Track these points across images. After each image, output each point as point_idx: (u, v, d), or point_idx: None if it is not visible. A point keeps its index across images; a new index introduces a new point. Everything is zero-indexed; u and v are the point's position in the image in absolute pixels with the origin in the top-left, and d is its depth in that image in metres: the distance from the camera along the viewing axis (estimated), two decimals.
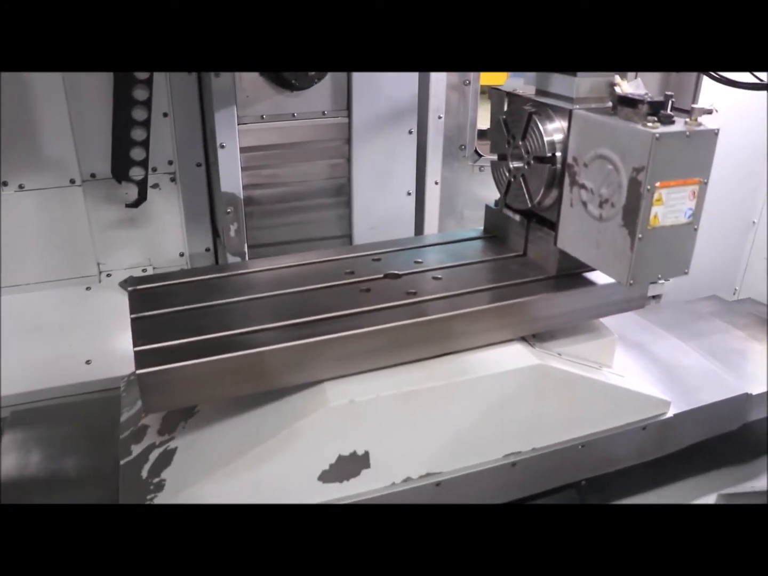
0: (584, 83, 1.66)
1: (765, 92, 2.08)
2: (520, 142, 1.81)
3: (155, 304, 1.69)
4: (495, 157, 1.96)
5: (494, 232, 2.09)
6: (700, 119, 1.51)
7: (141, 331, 1.57)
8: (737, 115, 2.58)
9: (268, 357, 1.51)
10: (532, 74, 1.83)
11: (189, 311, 1.67)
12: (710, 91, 2.39)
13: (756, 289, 2.95)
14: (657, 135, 1.45)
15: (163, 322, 1.63)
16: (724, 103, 2.36)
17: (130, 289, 1.78)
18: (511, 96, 1.89)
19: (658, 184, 1.49)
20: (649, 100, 1.51)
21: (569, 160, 1.69)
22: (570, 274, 1.84)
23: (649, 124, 1.48)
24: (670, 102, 1.51)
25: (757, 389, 2.14)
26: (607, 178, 1.59)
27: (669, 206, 1.53)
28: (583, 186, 1.67)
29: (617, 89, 1.61)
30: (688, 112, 1.53)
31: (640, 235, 1.53)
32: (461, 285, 1.79)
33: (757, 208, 2.88)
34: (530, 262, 1.92)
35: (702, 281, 2.81)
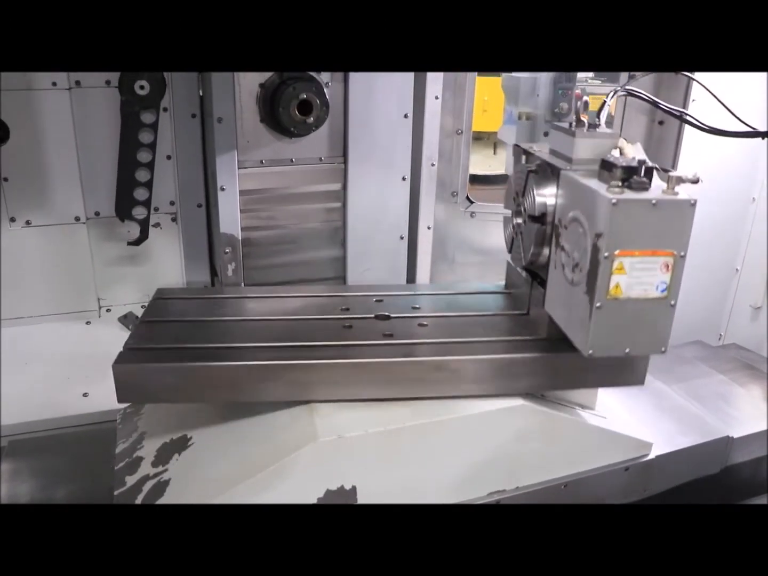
0: (582, 144, 1.60)
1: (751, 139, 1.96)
2: (522, 200, 1.81)
3: (163, 313, 1.95)
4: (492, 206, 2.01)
5: (511, 288, 2.11)
6: (677, 188, 1.42)
7: (137, 333, 1.82)
8: (722, 159, 2.67)
9: (226, 371, 1.67)
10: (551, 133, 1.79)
11: (186, 323, 1.89)
12: (700, 95, 2.36)
13: (741, 335, 3.01)
14: (614, 200, 1.38)
15: (160, 329, 1.86)
16: (709, 149, 2.45)
17: (155, 298, 2.06)
18: (527, 153, 1.87)
19: (617, 252, 1.42)
20: (623, 164, 1.44)
21: (556, 221, 1.67)
22: (563, 338, 1.71)
23: (616, 189, 1.41)
24: (642, 167, 1.43)
25: (738, 432, 2.18)
26: (578, 241, 1.54)
27: (634, 277, 1.45)
28: (563, 248, 1.63)
29: (614, 152, 1.55)
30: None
31: (598, 304, 1.46)
32: (441, 334, 1.83)
33: (740, 255, 2.95)
34: (530, 322, 1.90)
35: (687, 326, 2.85)
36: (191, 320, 1.92)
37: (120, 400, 1.69)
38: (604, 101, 1.82)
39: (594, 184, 1.48)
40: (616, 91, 1.84)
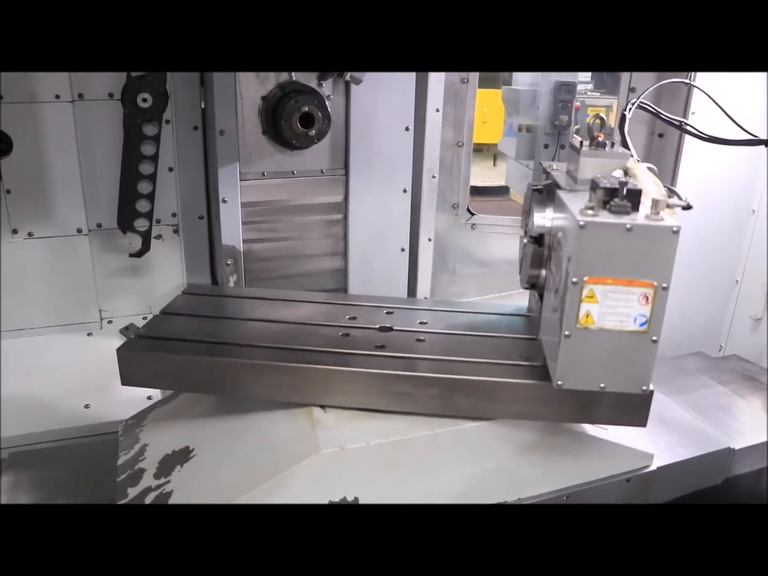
0: (587, 163, 1.50)
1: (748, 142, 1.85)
2: (527, 219, 1.76)
3: (182, 308, 2.03)
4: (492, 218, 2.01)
5: (531, 311, 2.05)
6: (665, 212, 1.30)
7: (152, 323, 1.93)
8: (722, 171, 2.69)
9: (209, 365, 1.75)
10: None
11: (198, 318, 1.98)
12: (699, 108, 2.44)
13: (741, 346, 3.01)
14: (582, 223, 1.28)
15: (173, 321, 1.95)
16: (709, 162, 2.46)
17: (183, 292, 2.17)
18: (546, 172, 1.78)
19: (586, 278, 1.32)
20: (604, 185, 1.33)
21: (550, 243, 1.58)
22: None
23: (589, 212, 1.30)
24: (624, 189, 1.31)
25: (739, 444, 2.18)
26: (559, 265, 1.43)
27: (607, 306, 1.33)
28: (551, 272, 1.55)
29: (617, 173, 1.45)
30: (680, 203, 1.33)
31: (566, 332, 1.36)
32: (433, 351, 1.81)
33: (740, 266, 2.96)
34: (534, 347, 1.81)
35: (687, 338, 2.87)
36: (204, 316, 2.00)
37: (123, 383, 1.78)
38: (624, 114, 1.77)
39: (575, 205, 1.37)
40: (633, 104, 1.80)
